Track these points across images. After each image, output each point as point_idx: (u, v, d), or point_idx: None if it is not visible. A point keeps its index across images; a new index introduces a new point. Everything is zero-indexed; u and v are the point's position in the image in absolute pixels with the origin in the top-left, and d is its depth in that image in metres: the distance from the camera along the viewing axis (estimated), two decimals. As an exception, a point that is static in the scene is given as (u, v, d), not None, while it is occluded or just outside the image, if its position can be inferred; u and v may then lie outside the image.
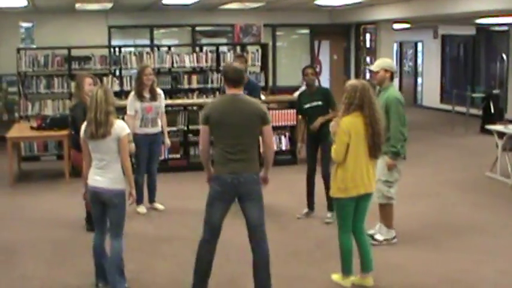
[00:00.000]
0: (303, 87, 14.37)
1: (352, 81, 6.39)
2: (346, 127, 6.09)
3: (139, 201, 9.05)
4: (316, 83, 9.05)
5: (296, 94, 13.44)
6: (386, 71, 7.42)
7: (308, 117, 8.82)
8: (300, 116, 9.31)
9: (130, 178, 6.22)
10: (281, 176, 10.89)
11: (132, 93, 9.20)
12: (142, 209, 9.26)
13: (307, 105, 8.75)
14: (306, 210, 8.94)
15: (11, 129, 12.04)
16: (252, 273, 5.98)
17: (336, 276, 6.50)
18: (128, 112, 9.05)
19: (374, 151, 6.20)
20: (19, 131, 12.00)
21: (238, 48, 14.90)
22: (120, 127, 6.09)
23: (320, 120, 8.47)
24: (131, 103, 9.05)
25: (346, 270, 6.39)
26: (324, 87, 9.16)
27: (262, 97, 11.80)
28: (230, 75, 5.92)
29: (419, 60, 24.68)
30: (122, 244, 6.21)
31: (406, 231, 8.03)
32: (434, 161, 13.28)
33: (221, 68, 14.16)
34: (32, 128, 11.87)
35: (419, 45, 24.37)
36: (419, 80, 24.61)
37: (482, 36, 20.92)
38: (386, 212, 7.62)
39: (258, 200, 5.92)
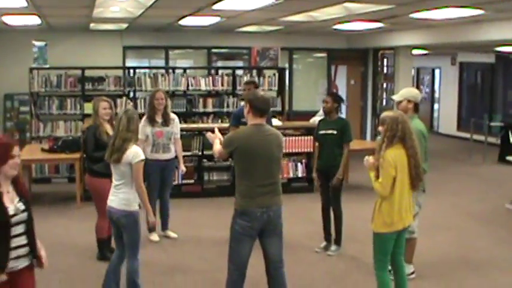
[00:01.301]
0: (321, 112, 14.25)
1: (390, 113, 6.07)
2: (393, 160, 5.82)
3: (151, 228, 8.82)
4: (339, 114, 8.62)
5: (312, 120, 13.24)
6: (409, 101, 7.15)
7: (320, 144, 8.63)
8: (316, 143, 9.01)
9: (146, 204, 6.24)
10: (297, 203, 10.82)
11: (144, 117, 8.97)
12: (154, 236, 9.00)
13: (322, 131, 8.52)
14: (324, 243, 8.63)
15: (22, 151, 11.75)
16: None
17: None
18: (138, 137, 8.81)
19: (415, 182, 5.96)
20: (30, 153, 11.75)
21: (254, 72, 14.64)
22: (134, 153, 6.14)
23: (338, 178, 8.24)
24: (142, 128, 8.67)
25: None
26: (344, 118, 8.78)
27: (278, 122, 11.61)
28: (258, 104, 5.64)
29: (436, 87, 24.48)
30: (135, 266, 6.20)
31: (424, 266, 7.72)
32: (453, 191, 13.00)
33: (238, 93, 13.99)
34: (43, 150, 11.65)
35: (437, 71, 24.17)
36: (435, 106, 24.42)
37: (501, 64, 20.68)
38: (408, 247, 7.31)
39: (280, 235, 5.74)
